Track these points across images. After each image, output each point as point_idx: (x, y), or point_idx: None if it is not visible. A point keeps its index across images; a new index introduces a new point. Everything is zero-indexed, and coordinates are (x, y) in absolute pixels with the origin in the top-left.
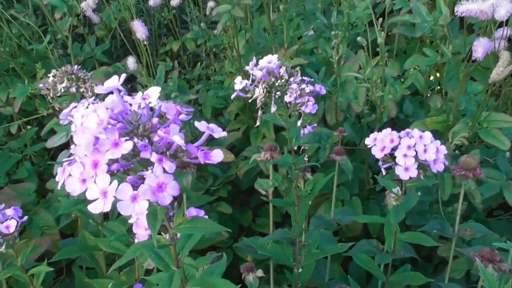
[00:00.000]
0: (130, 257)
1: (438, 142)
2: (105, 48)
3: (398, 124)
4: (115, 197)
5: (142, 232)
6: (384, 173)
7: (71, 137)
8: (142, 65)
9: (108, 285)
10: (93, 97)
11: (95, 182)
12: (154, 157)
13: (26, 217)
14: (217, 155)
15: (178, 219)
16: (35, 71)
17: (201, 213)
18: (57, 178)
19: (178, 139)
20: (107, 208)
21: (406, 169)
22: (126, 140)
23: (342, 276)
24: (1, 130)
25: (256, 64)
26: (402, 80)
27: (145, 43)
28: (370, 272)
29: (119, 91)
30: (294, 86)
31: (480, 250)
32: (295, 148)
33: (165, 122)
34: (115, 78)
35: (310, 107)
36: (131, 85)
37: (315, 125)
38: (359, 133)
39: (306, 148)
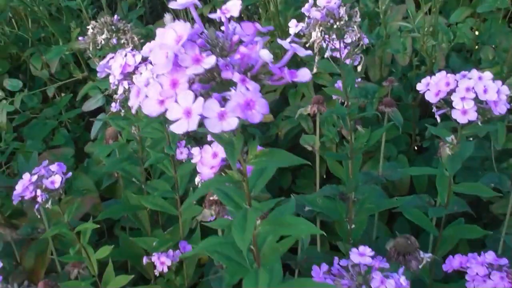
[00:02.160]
0: (202, 193)
1: (500, 82)
2: (140, 12)
3: None
4: (200, 115)
5: (207, 171)
6: (438, 120)
7: (107, 99)
8: None
9: (153, 243)
10: (130, 47)
11: (176, 101)
12: (236, 77)
13: (70, 173)
14: (305, 74)
15: (253, 151)
16: (68, 38)
17: None
18: (130, 103)
19: (266, 55)
20: (192, 127)
21: (464, 112)
22: (208, 55)
23: (388, 234)
24: (36, 97)
25: (313, 6)
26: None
27: None
28: (418, 229)
29: (196, 7)
30: (355, 28)
31: None
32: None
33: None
34: None
35: (357, 59)
36: None
37: (359, 79)
38: (405, 88)
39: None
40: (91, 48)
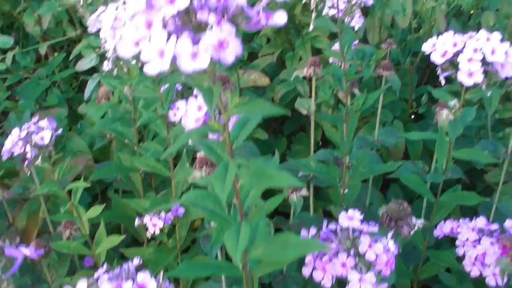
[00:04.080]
0: (183, 142)
1: (508, 43)
2: None
3: None
4: (173, 55)
5: (191, 123)
6: (443, 82)
7: (101, 58)
8: None
9: (145, 205)
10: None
11: (149, 41)
12: (212, 18)
13: (61, 129)
14: (281, 17)
15: (234, 99)
16: None
17: None
18: (107, 45)
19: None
20: (165, 66)
21: (470, 74)
22: None
23: (381, 200)
24: (29, 55)
25: None
26: None
27: None
28: (412, 196)
29: None
30: None
31: None
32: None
33: None
34: None
35: (356, 19)
36: None
37: (357, 42)
38: (404, 52)
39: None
40: (81, 2)
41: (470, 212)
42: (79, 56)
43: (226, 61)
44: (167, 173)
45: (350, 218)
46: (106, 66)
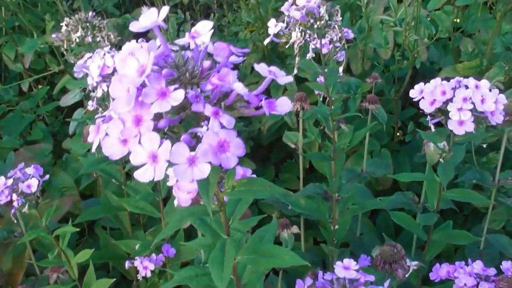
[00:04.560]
0: (176, 227)
1: (497, 91)
2: (115, 0)
3: (421, 71)
4: (168, 161)
5: (183, 195)
6: (433, 129)
7: (86, 94)
8: None
9: (135, 246)
10: (108, 47)
11: (140, 142)
12: (208, 110)
13: (47, 176)
14: (284, 104)
15: (230, 181)
16: (43, 27)
17: (248, 172)
18: (90, 139)
19: (240, 87)
20: (159, 176)
21: (460, 123)
22: (176, 89)
23: (371, 229)
24: (12, 89)
25: (293, 4)
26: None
27: None
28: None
29: (160, 28)
30: (336, 27)
31: None
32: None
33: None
34: (153, 12)
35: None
36: (141, 39)
37: (341, 73)
38: (388, 82)
39: (333, 99)
40: (65, 46)
41: None
42: (63, 88)
43: (228, 166)
44: (157, 215)
45: (346, 268)
46: (91, 105)
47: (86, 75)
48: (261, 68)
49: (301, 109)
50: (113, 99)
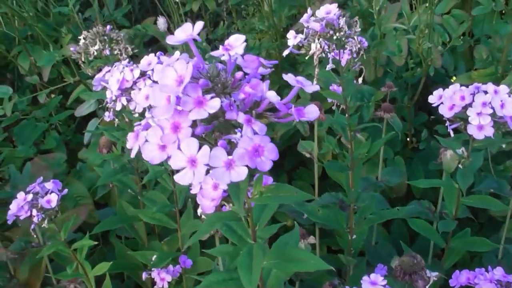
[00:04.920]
0: (206, 231)
1: None
2: (125, 10)
3: (433, 78)
4: (206, 164)
5: (207, 203)
6: (452, 134)
7: (101, 105)
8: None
9: (151, 257)
10: (126, 60)
11: (179, 148)
12: (241, 118)
13: (66, 190)
14: (313, 111)
15: (258, 187)
16: (55, 37)
17: (270, 180)
18: (128, 145)
19: (273, 96)
20: (199, 178)
21: (480, 127)
22: (212, 97)
23: (386, 237)
24: (26, 98)
25: (312, 15)
26: None
27: (177, 0)
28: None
29: (195, 42)
30: (355, 38)
31: None
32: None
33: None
34: (188, 26)
35: (345, 60)
36: (151, 49)
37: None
38: (401, 88)
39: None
40: (83, 59)
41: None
42: (76, 98)
43: (263, 169)
44: (173, 226)
45: (374, 283)
46: (107, 117)
47: (105, 88)
48: (289, 78)
49: (317, 120)
50: (153, 107)
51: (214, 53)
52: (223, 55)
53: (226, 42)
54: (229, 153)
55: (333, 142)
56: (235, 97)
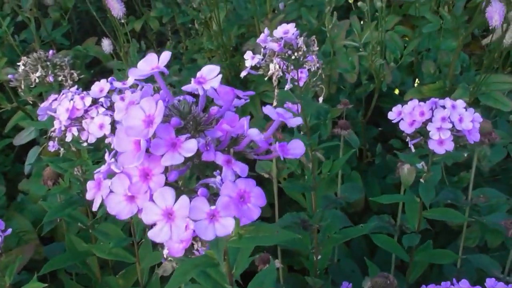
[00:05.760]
0: (180, 282)
1: (472, 110)
2: (64, 30)
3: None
4: (186, 218)
5: (176, 245)
6: (413, 149)
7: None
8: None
9: None
10: (75, 86)
11: (151, 199)
12: (220, 158)
13: (10, 230)
14: (298, 147)
15: (236, 229)
16: None
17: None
18: (89, 196)
19: (255, 133)
20: (179, 234)
21: (440, 142)
22: (187, 138)
23: (347, 253)
24: None
25: (269, 35)
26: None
27: (122, 21)
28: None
29: (162, 74)
30: (314, 57)
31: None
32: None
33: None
34: (153, 57)
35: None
36: (93, 70)
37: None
38: (354, 105)
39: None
40: (23, 87)
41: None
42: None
43: (251, 218)
44: (132, 260)
45: None
46: (52, 146)
47: (52, 117)
48: (269, 110)
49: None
50: (118, 153)
51: (186, 88)
52: (197, 89)
53: (199, 74)
54: (208, 199)
55: (295, 163)
56: (210, 135)
